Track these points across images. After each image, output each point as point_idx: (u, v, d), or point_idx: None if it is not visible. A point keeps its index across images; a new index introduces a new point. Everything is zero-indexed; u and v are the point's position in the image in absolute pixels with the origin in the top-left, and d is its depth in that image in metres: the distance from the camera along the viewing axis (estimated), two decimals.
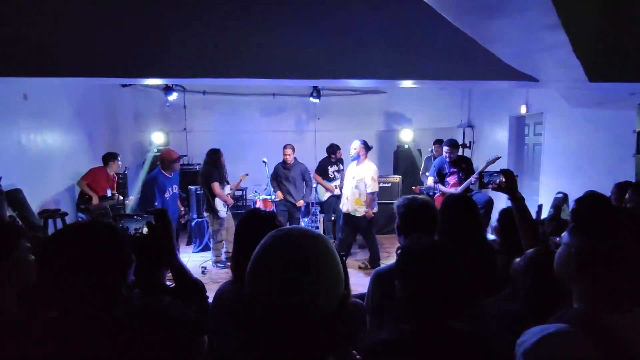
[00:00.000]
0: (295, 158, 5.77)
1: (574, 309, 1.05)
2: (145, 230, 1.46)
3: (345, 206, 5.12)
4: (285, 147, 5.76)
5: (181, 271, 1.51)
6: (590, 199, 2.31)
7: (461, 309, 1.37)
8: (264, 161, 5.87)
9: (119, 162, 5.70)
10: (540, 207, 5.02)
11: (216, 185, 5.03)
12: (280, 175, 5.78)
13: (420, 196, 2.11)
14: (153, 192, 4.46)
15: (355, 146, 5.02)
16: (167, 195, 4.59)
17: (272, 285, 0.76)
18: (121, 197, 5.68)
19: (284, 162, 5.75)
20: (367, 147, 5.04)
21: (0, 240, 1.26)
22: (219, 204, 5.10)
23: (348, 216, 5.12)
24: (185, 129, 7.84)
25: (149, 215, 1.48)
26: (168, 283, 1.70)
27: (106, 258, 1.08)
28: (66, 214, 5.13)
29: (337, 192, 6.08)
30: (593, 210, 1.13)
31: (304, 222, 6.61)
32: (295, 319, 0.76)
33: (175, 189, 4.80)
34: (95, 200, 5.26)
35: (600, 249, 1.01)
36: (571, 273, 1.04)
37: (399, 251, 1.49)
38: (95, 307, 1.06)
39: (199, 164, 7.13)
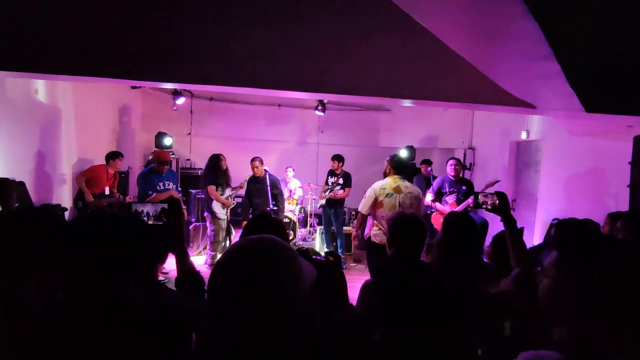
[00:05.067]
0: (266, 170, 5.56)
1: (565, 338, 1.05)
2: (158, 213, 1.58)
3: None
4: (253, 160, 5.51)
5: (185, 258, 1.56)
6: (571, 227, 2.34)
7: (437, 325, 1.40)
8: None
9: (121, 161, 5.74)
10: (521, 230, 5.04)
11: (211, 189, 5.33)
12: (251, 191, 5.50)
13: (409, 212, 2.18)
14: (142, 187, 4.98)
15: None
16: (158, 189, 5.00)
17: (223, 299, 0.77)
18: (122, 196, 5.74)
19: (253, 175, 5.50)
20: (392, 164, 4.07)
21: (40, 225, 1.33)
22: (216, 206, 5.36)
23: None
24: (190, 133, 7.95)
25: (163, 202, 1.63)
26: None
27: (115, 250, 1.09)
28: (65, 209, 5.20)
29: (322, 202, 6.26)
30: (579, 242, 1.11)
31: (300, 233, 6.66)
32: (246, 333, 0.76)
33: (170, 185, 5.13)
34: (88, 198, 5.24)
35: (593, 281, 1.01)
36: (565, 306, 1.03)
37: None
38: (103, 297, 1.07)
39: (201, 169, 7.23)
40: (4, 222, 1.38)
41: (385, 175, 4.00)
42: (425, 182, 6.05)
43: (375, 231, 3.88)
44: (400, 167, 3.92)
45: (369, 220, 4.03)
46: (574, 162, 5.37)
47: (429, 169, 6.47)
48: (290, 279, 0.80)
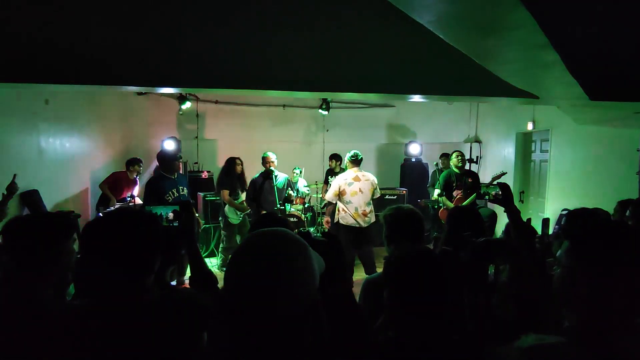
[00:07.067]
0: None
1: (574, 325, 1.04)
2: (171, 216, 1.61)
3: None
4: (267, 154, 5.36)
5: (198, 258, 1.60)
6: (581, 216, 2.33)
7: (449, 316, 1.42)
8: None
9: (140, 168, 5.80)
10: (547, 221, 5.02)
11: (224, 193, 5.26)
12: (265, 188, 5.31)
13: (407, 206, 2.19)
14: (147, 196, 4.40)
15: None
16: (168, 199, 4.40)
17: (238, 284, 0.80)
18: (140, 201, 5.82)
19: (269, 171, 5.31)
20: (351, 159, 4.81)
21: (55, 230, 1.37)
22: (229, 210, 5.30)
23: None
24: (197, 136, 8.03)
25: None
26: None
27: (144, 244, 1.13)
28: (79, 215, 5.30)
29: (325, 201, 6.44)
30: (588, 230, 1.08)
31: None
32: (257, 318, 0.78)
33: (184, 191, 4.63)
34: (113, 203, 5.42)
35: (606, 269, 0.99)
36: (578, 295, 1.02)
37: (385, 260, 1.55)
38: (127, 292, 1.10)
39: (209, 171, 7.31)
40: (23, 226, 1.44)
41: (346, 168, 4.90)
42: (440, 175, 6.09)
43: (342, 214, 4.69)
44: (356, 161, 4.78)
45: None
46: (581, 150, 5.32)
47: (435, 162, 6.50)
48: (303, 268, 0.82)
